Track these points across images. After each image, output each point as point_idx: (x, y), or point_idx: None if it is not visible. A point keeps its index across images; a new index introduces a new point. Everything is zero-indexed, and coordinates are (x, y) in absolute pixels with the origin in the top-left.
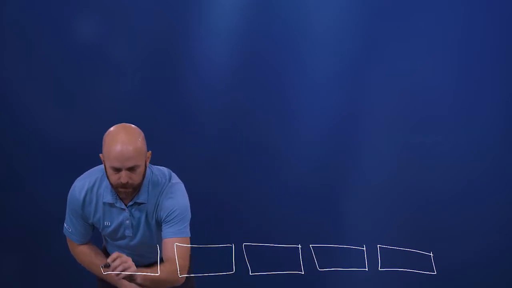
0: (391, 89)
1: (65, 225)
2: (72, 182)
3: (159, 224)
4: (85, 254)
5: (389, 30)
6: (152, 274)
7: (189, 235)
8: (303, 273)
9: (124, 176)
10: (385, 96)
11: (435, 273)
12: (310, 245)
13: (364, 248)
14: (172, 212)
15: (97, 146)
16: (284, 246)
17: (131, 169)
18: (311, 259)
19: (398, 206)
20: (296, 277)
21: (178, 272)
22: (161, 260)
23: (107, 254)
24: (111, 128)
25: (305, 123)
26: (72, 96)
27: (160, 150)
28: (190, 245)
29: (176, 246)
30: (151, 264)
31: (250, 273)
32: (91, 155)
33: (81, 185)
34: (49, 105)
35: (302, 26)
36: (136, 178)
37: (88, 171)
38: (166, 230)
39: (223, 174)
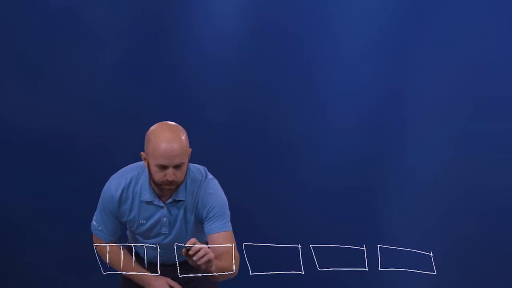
0: (446, 63)
1: (94, 222)
2: (40, 180)
3: (198, 220)
4: (112, 252)
5: None
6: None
7: (232, 229)
8: (303, 273)
9: (170, 174)
10: (437, 72)
11: (435, 273)
12: (310, 245)
13: (364, 248)
14: (213, 207)
15: (71, 137)
16: (284, 246)
17: (177, 166)
18: (311, 259)
19: (460, 212)
20: (296, 277)
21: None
22: None
23: (134, 254)
24: (155, 126)
25: (317, 115)
26: (39, 73)
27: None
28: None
29: (223, 240)
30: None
31: (250, 273)
32: (64, 148)
33: (116, 184)
34: (10, 85)
35: None
36: (180, 175)
37: (122, 169)
38: (210, 226)
39: (223, 174)
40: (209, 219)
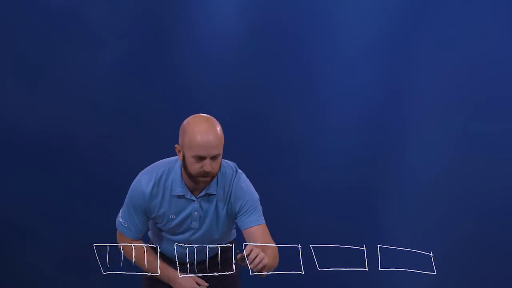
0: (446, 63)
1: (120, 219)
2: (40, 180)
3: (229, 214)
4: (137, 250)
5: None
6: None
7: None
8: (303, 273)
9: (207, 165)
10: (437, 72)
11: (435, 273)
12: (310, 245)
13: (364, 248)
14: (247, 201)
15: (71, 137)
16: (284, 246)
17: (214, 157)
18: (311, 259)
19: (460, 212)
20: (296, 277)
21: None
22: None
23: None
24: (190, 119)
25: (319, 114)
26: (39, 73)
27: (152, 141)
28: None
29: (261, 232)
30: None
31: (250, 273)
32: (64, 148)
33: (147, 179)
34: (10, 85)
35: None
36: (216, 167)
37: (151, 165)
38: (245, 220)
39: None
40: (243, 213)
